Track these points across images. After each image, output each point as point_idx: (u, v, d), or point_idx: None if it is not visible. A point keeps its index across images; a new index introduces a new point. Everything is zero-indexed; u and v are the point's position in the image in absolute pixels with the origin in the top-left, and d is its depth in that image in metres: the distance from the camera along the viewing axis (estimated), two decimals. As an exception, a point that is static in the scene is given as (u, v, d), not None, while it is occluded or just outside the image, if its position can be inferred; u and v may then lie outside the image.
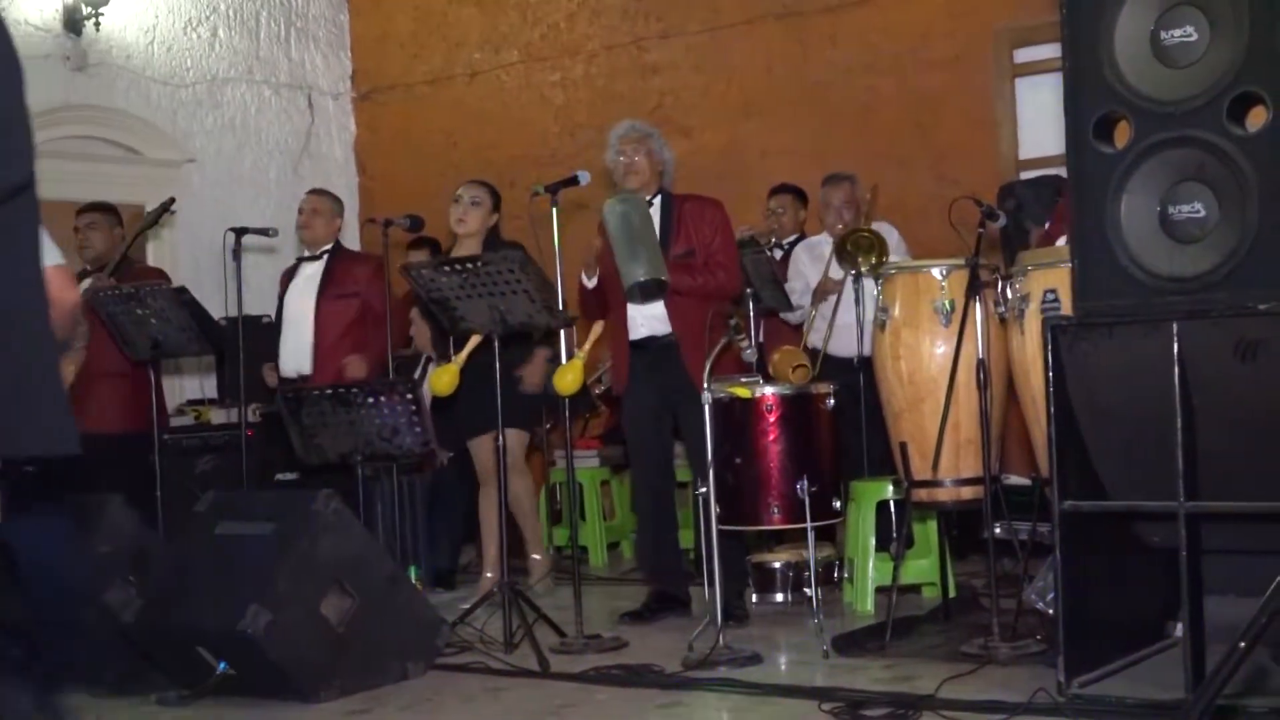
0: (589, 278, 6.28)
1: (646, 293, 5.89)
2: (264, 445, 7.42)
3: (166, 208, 7.14)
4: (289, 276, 7.36)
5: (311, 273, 7.23)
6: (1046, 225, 6.52)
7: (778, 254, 7.77)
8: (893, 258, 6.79)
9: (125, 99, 9.34)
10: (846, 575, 6.42)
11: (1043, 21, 7.28)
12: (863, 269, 6.79)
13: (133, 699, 5.20)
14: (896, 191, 7.92)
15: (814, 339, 7.30)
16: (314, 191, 7.45)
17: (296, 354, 7.17)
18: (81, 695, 5.21)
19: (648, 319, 6.17)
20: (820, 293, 7.25)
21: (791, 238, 7.88)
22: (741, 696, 4.83)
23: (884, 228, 7.20)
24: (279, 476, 7.49)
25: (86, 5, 9.02)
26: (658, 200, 6.22)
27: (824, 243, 7.44)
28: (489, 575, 6.88)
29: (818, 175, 7.66)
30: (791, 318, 7.53)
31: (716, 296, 6.08)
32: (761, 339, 7.14)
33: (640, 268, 5.76)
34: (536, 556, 7.25)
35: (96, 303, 6.57)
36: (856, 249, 6.85)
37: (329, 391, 6.16)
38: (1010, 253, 6.53)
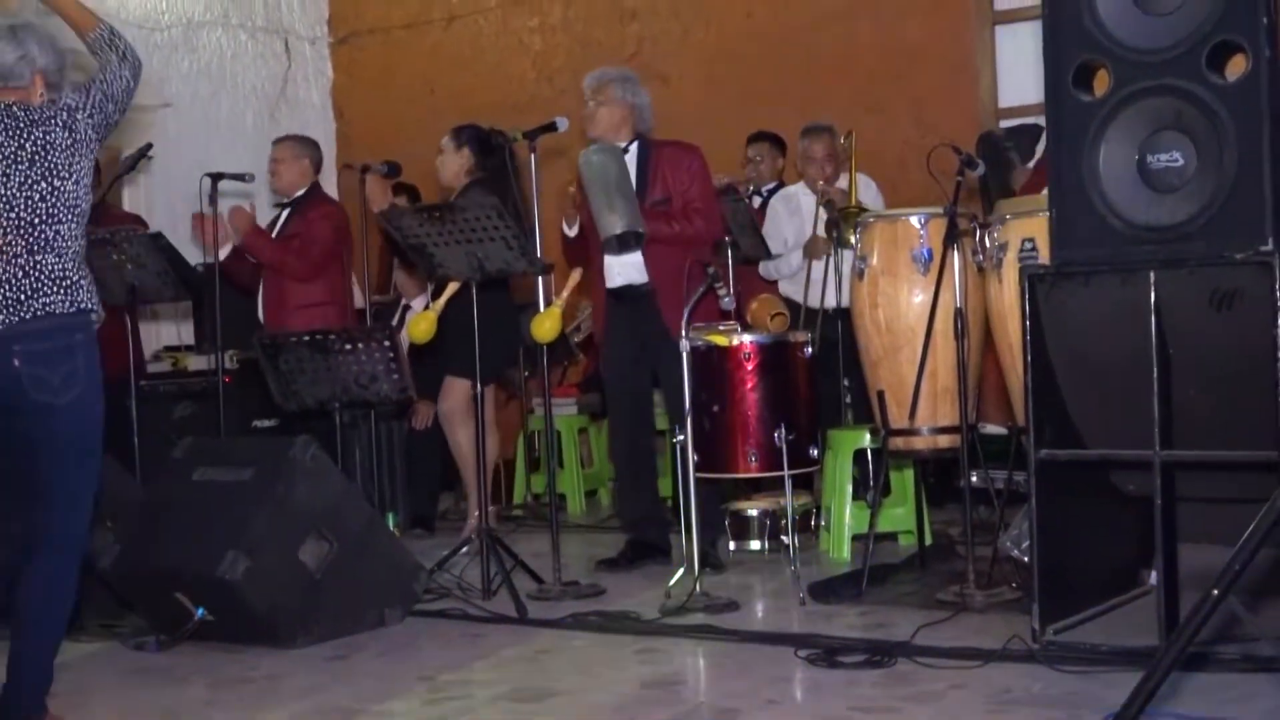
0: (569, 226, 6.26)
1: (624, 244, 5.88)
2: (242, 392, 7.40)
3: (144, 154, 7.07)
4: (269, 227, 7.32)
5: (281, 221, 7.22)
6: (1030, 164, 6.49)
7: (756, 201, 7.74)
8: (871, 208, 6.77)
9: (100, 42, 9.25)
10: (823, 523, 6.45)
11: (1023, -32, 7.26)
12: (851, 240, 6.75)
13: (111, 644, 5.21)
14: (875, 139, 7.89)
15: (794, 292, 7.25)
16: (278, 140, 7.40)
17: (261, 301, 7.19)
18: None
19: (625, 267, 6.15)
20: (812, 252, 7.18)
21: (770, 185, 7.85)
22: (718, 643, 4.86)
23: (861, 180, 7.17)
24: (257, 423, 7.47)
25: (60, -53, 8.91)
26: (634, 147, 6.17)
27: (800, 193, 7.41)
28: (474, 516, 6.91)
29: (796, 122, 7.64)
30: (776, 271, 7.48)
31: (695, 243, 6.05)
32: (740, 287, 7.13)
33: (617, 220, 5.74)
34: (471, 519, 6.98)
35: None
36: (847, 221, 6.80)
37: (306, 338, 6.14)
38: (989, 201, 6.53)
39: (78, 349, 3.95)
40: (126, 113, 4.18)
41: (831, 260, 6.87)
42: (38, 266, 3.93)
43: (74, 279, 3.97)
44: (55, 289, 3.93)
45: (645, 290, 6.10)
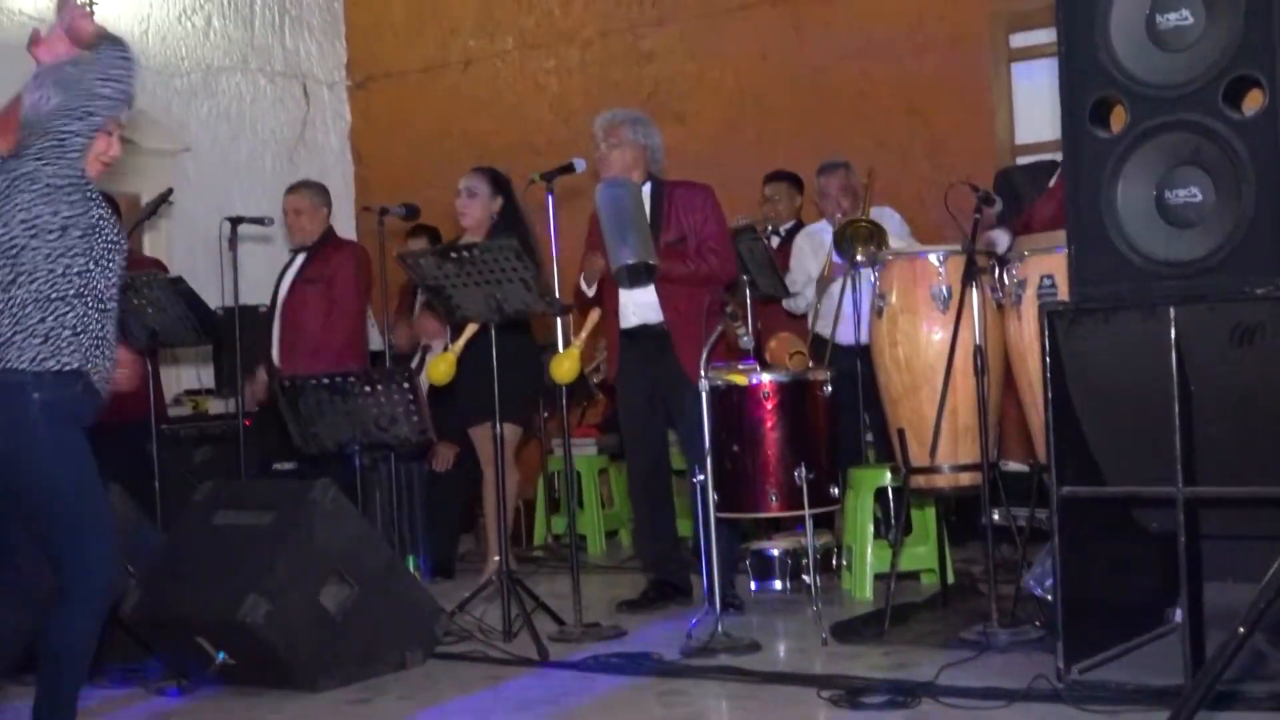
0: (588, 286, 6.25)
1: (634, 276, 5.87)
2: (261, 435, 7.41)
3: (165, 199, 7.11)
4: (283, 271, 7.33)
5: (298, 265, 7.23)
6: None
7: (775, 241, 7.75)
8: (896, 241, 6.76)
9: (120, 88, 9.31)
10: (845, 562, 6.42)
11: (1038, 6, 7.27)
12: (860, 258, 6.75)
13: (132, 689, 5.20)
14: (892, 177, 7.90)
15: (820, 326, 7.27)
16: (291, 190, 7.32)
17: (277, 346, 7.18)
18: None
19: (639, 307, 6.14)
20: (824, 281, 7.20)
21: (788, 224, 7.85)
22: (740, 684, 4.83)
23: (885, 212, 7.17)
24: (277, 466, 7.49)
25: (80, -5, 8.99)
26: (646, 187, 6.16)
27: (824, 230, 7.41)
28: (494, 559, 6.84)
29: (813, 161, 7.64)
30: (796, 306, 7.49)
31: (710, 282, 6.05)
32: (759, 326, 7.12)
33: (628, 251, 5.74)
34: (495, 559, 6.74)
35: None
36: (855, 239, 6.81)
37: (326, 381, 6.15)
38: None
39: None
40: (92, 119, 3.89)
41: (849, 295, 6.85)
42: None
43: (6, 334, 3.86)
44: None
45: (660, 330, 6.10)
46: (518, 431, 6.95)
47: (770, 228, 7.82)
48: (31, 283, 3.86)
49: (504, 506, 6.03)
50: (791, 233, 7.78)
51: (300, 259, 7.22)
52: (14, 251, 3.86)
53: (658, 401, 6.15)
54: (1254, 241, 3.98)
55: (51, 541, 3.93)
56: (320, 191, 7.33)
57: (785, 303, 7.48)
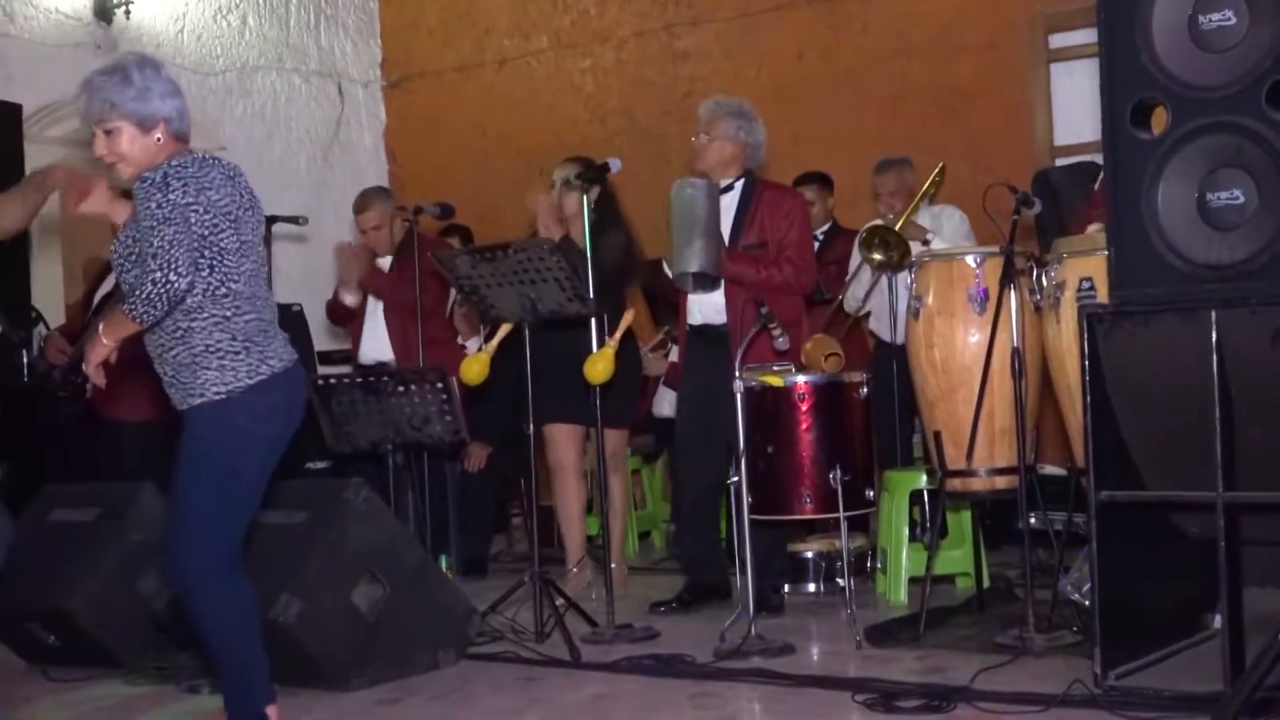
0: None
1: (699, 282, 5.85)
2: (295, 433, 7.40)
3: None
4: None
5: (385, 264, 7.26)
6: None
7: (815, 246, 7.67)
8: (940, 242, 6.69)
9: (155, 87, 9.34)
10: (879, 565, 6.39)
11: (1078, 6, 7.23)
12: (879, 257, 6.68)
13: (163, 687, 5.21)
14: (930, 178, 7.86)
15: (874, 325, 7.23)
16: (361, 210, 7.27)
17: (375, 344, 7.20)
18: (114, 682, 5.24)
19: (705, 307, 6.11)
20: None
21: (825, 226, 7.80)
22: (774, 687, 4.81)
23: (946, 211, 7.11)
24: (310, 465, 7.49)
25: (117, -7, 9.04)
26: (739, 184, 6.13)
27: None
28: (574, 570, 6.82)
29: (849, 162, 7.62)
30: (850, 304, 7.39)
31: (782, 292, 5.96)
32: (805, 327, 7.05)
33: (693, 258, 5.72)
34: (613, 565, 6.43)
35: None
36: (883, 244, 6.73)
37: (359, 380, 6.15)
38: (1045, 240, 6.47)
39: None
40: None
41: (883, 294, 6.80)
42: None
43: None
44: None
45: (723, 332, 6.06)
46: (625, 437, 6.90)
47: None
48: None
49: (534, 504, 6.00)
50: (829, 235, 7.74)
51: (388, 260, 7.26)
52: None
53: (716, 400, 6.07)
54: (1297, 244, 3.94)
55: None
56: (386, 197, 7.38)
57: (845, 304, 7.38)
